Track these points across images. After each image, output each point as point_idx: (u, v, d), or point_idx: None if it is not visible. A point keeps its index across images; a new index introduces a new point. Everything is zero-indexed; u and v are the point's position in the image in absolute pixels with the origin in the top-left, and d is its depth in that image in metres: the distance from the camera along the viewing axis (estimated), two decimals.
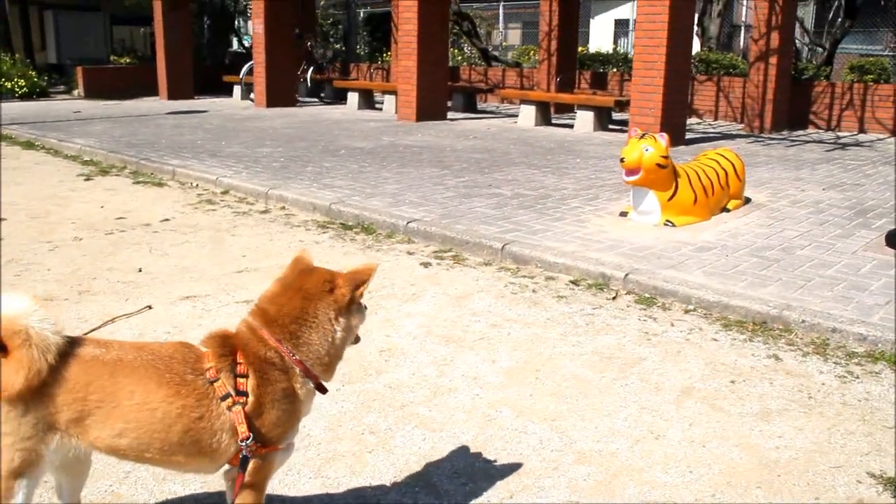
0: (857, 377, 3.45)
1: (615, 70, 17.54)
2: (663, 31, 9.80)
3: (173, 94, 16.60)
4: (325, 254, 5.29)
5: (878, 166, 9.05)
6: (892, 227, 5.52)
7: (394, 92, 14.31)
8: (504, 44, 25.19)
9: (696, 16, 15.38)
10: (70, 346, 1.83)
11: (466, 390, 3.20)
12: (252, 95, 16.08)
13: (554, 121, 13.52)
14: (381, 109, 15.17)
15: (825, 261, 4.93)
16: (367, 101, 15.53)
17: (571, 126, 12.79)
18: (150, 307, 4.19)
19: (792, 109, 12.99)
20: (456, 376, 3.34)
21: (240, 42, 22.58)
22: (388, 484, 2.50)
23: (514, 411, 3.02)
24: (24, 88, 16.36)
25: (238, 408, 1.85)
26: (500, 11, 23.83)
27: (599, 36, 23.93)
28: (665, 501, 2.45)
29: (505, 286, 4.66)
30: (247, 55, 21.02)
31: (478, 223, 5.79)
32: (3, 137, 10.71)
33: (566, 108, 15.16)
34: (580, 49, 17.91)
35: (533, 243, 5.25)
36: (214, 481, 2.48)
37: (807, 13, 16.93)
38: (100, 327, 3.85)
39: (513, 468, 2.60)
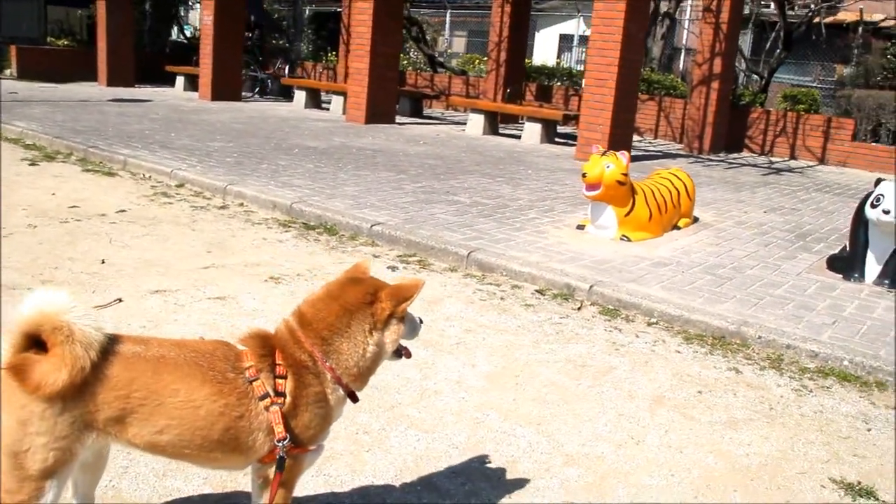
0: (811, 391, 3.67)
1: (560, 84, 17.90)
2: (616, 50, 10.11)
3: (113, 81, 16.19)
4: (290, 253, 5.31)
5: (810, 192, 9.53)
6: (833, 253, 5.85)
7: (342, 93, 14.31)
8: (449, 51, 25.38)
9: None
10: (110, 343, 1.83)
11: (451, 393, 3.29)
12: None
13: (501, 130, 13.74)
14: (327, 109, 15.13)
15: (774, 281, 5.21)
16: (314, 100, 15.46)
17: (518, 137, 13.03)
18: (120, 300, 4.14)
19: (729, 133, 13.54)
20: (439, 379, 3.42)
21: (181, 31, 22.12)
22: (390, 483, 2.56)
23: (500, 415, 3.13)
24: None
25: (276, 408, 1.87)
26: (448, 18, 24.01)
27: (544, 49, 24.36)
28: (654, 502, 2.59)
29: (473, 292, 4.76)
30: (188, 45, 20.66)
31: (441, 229, 5.88)
32: None
33: (511, 119, 15.42)
34: (525, 61, 18.21)
35: (497, 252, 5.37)
36: (216, 478, 2.51)
37: (744, 41, 17.62)
38: None
39: (507, 469, 2.70)
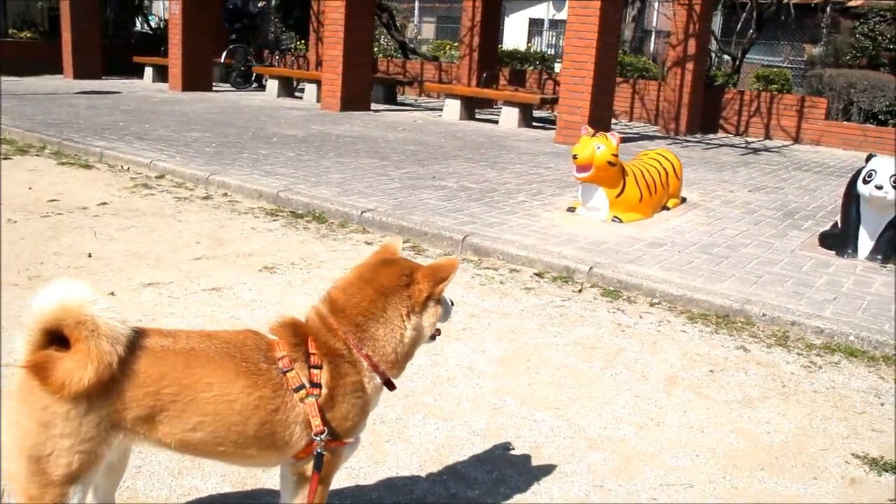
0: (820, 367, 3.66)
1: (533, 68, 17.85)
2: (594, 32, 10.06)
3: (80, 73, 15.80)
4: (280, 242, 5.19)
5: (790, 171, 9.59)
6: (824, 230, 5.87)
7: (316, 81, 14.11)
8: (418, 37, 25.20)
9: None
10: (136, 337, 1.71)
11: (465, 380, 3.22)
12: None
13: (477, 116, 13.65)
14: (301, 98, 14.92)
15: (769, 259, 5.20)
16: (287, 88, 15.23)
17: (496, 122, 12.95)
18: (112, 294, 4.01)
19: (704, 114, 13.58)
20: (451, 366, 3.35)
21: (146, 22, 21.67)
22: (415, 473, 2.49)
23: (517, 400, 3.07)
24: None
25: (312, 400, 1.77)
26: (416, 5, 23.82)
27: (514, 34, 24.28)
28: (682, 483, 2.55)
29: (472, 277, 4.69)
30: (153, 36, 20.24)
31: (432, 215, 5.80)
32: None
33: (486, 104, 15.34)
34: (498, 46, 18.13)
35: (492, 236, 5.30)
36: (235, 475, 2.42)
37: (715, 22, 17.69)
38: None
39: (532, 455, 2.65)
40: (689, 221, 6.22)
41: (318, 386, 1.79)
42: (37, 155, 7.74)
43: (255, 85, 16.55)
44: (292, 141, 9.14)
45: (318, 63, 17.85)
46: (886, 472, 2.74)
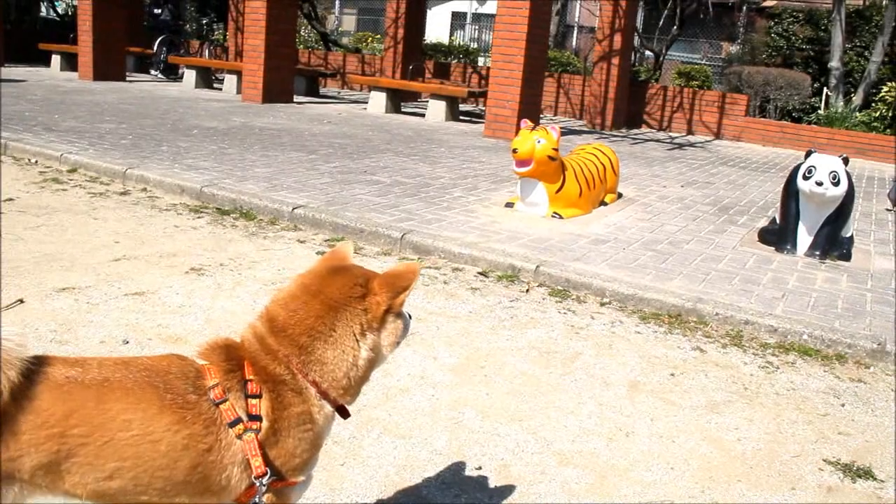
0: (778, 368, 3.59)
1: (457, 61, 17.69)
2: (524, 25, 9.94)
3: None
4: (207, 241, 4.85)
5: (717, 166, 9.70)
6: (761, 225, 5.87)
7: (237, 71, 13.59)
8: (340, 29, 24.73)
9: None
10: (35, 366, 1.38)
11: (419, 391, 2.99)
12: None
13: (403, 109, 13.40)
14: (220, 89, 14.36)
15: (713, 255, 5.15)
16: (205, 79, 14.63)
17: (422, 115, 12.74)
18: (21, 301, 3.61)
19: (629, 109, 13.69)
20: (402, 375, 3.12)
21: (52, 7, 20.54)
22: (376, 500, 2.25)
23: (477, 412, 2.86)
24: None
25: (250, 435, 1.48)
26: None
27: (436, 27, 24.07)
28: (662, 500, 2.39)
29: None
30: (60, 23, 19.22)
31: (367, 211, 5.54)
32: None
33: (412, 96, 15.11)
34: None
35: (432, 233, 5.08)
36: None
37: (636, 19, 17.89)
38: None
39: (500, 475, 2.44)
40: (628, 217, 6.14)
41: (258, 419, 1.50)
42: None
43: (183, 74, 15.91)
44: (214, 133, 8.70)
45: (238, 53, 17.26)
46: (860, 477, 2.65)
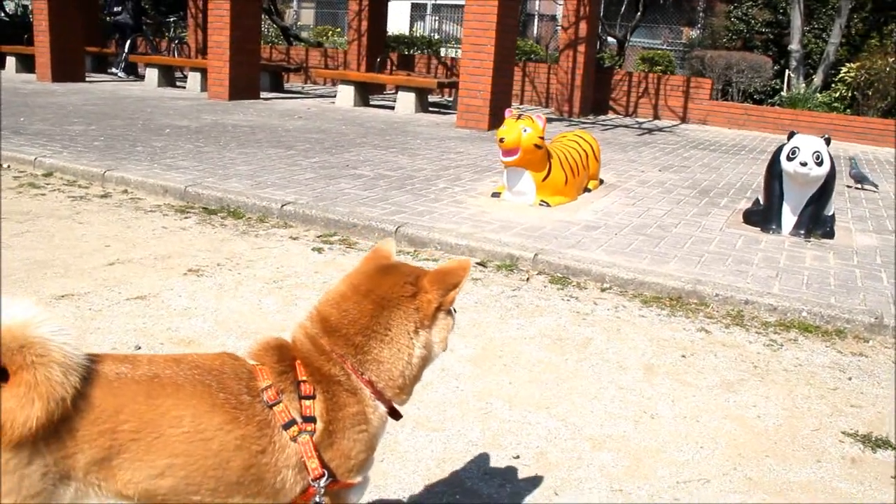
0: (782, 345, 3.66)
1: (420, 53, 17.64)
2: (493, 15, 9.95)
3: None
4: (199, 241, 4.78)
5: (689, 150, 9.83)
6: (745, 206, 5.98)
7: (201, 69, 13.39)
8: (298, 23, 24.49)
9: None
10: (87, 365, 1.36)
11: (443, 383, 3.00)
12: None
13: (372, 102, 13.34)
14: (184, 87, 14.14)
15: (702, 237, 5.23)
16: (168, 78, 14.39)
17: (392, 107, 12.69)
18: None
19: (595, 95, 13.79)
20: None
21: (0, 8, 19.99)
22: (422, 493, 2.26)
23: (503, 401, 2.87)
24: None
25: (306, 437, 1.46)
26: None
27: (395, 19, 23.96)
28: (698, 479, 2.43)
29: None
30: (10, 23, 18.72)
31: (357, 205, 5.52)
32: None
33: (378, 89, 15.04)
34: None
35: (426, 225, 5.08)
36: None
37: None
38: None
39: (539, 463, 2.46)
40: (613, 203, 6.20)
41: (312, 420, 1.48)
42: None
43: (144, 74, 15.62)
44: (186, 132, 8.57)
45: (199, 50, 17.01)
46: (881, 448, 2.72)
